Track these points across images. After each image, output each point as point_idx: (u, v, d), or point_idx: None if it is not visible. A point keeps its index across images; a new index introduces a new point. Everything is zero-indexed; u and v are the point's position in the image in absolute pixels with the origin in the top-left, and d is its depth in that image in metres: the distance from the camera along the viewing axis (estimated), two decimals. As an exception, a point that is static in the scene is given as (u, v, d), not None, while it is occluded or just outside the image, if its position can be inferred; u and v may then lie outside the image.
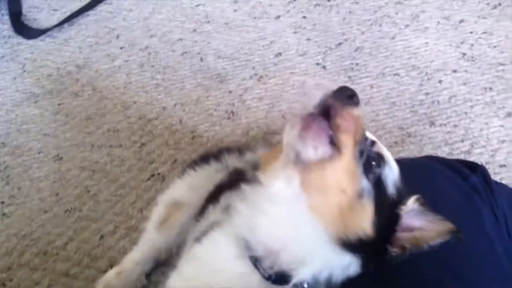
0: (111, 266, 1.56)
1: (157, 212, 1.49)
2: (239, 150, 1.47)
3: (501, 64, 2.12)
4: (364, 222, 0.85)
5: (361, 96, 2.01)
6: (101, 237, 1.67)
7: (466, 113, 1.95)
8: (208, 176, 1.40)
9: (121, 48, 2.36)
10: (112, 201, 1.77)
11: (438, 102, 2.00)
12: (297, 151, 0.85)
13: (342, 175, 0.85)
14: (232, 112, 2.06)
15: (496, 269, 1.00)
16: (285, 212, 0.87)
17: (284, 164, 0.87)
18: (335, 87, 0.86)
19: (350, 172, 0.85)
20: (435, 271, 0.91)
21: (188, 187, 1.44)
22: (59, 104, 2.14)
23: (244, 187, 0.94)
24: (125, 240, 1.65)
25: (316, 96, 0.85)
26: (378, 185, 0.88)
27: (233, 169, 1.36)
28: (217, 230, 0.98)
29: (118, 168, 1.88)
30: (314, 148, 0.84)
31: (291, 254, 0.87)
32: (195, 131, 2.00)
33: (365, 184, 0.86)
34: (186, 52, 2.31)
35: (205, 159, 1.48)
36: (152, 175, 1.84)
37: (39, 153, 1.96)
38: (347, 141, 0.85)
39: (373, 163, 0.88)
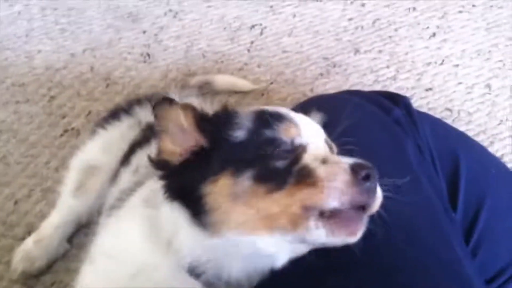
0: (29, 233, 1.44)
1: (71, 177, 1.38)
2: (149, 99, 1.37)
3: (424, -18, 2.06)
4: None
5: (282, 27, 1.96)
6: (15, 202, 1.54)
7: (390, 37, 1.89)
8: (121, 135, 1.29)
9: (19, -9, 2.13)
10: (23, 163, 1.63)
11: (362, 27, 1.93)
12: (325, 243, 0.73)
13: None
14: (148, 54, 1.92)
15: (419, 200, 0.97)
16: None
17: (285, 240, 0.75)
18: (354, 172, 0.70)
19: None
20: None
21: (100, 149, 1.33)
22: (-47, 60, 1.93)
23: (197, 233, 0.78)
24: (42, 204, 1.53)
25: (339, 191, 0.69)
26: None
27: (145, 124, 1.26)
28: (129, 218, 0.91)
29: (27, 126, 1.72)
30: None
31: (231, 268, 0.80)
32: (109, 78, 1.85)
33: None
34: (91, -9, 2.11)
35: (114, 115, 1.37)
36: (66, 131, 1.70)
37: None
38: None
39: None
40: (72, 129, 1.71)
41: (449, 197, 1.05)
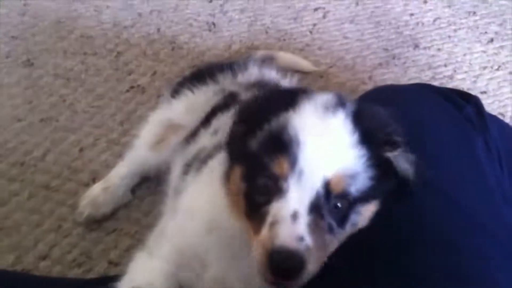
0: (93, 180, 1.52)
1: (150, 131, 1.44)
2: (231, 68, 1.43)
3: (485, -13, 2.10)
4: None
5: (345, 13, 2.02)
6: (81, 149, 1.60)
7: (449, 36, 1.95)
8: (206, 99, 1.35)
9: None
10: (90, 112, 1.70)
11: (423, 23, 1.99)
12: None
13: None
14: (213, 24, 1.98)
15: (484, 191, 1.03)
16: None
17: None
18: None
19: None
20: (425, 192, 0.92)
21: (186, 109, 1.39)
22: (24, 5, 2.00)
23: None
24: (106, 154, 1.59)
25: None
26: None
27: (228, 92, 1.32)
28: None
29: (94, 78, 1.79)
30: None
31: None
32: (175, 42, 1.92)
33: None
34: (163, -46, 2.16)
35: (201, 78, 1.42)
36: (132, 87, 1.77)
37: (7, 57, 1.83)
38: None
39: None
40: (138, 86, 1.77)
41: (513, 197, 1.10)
